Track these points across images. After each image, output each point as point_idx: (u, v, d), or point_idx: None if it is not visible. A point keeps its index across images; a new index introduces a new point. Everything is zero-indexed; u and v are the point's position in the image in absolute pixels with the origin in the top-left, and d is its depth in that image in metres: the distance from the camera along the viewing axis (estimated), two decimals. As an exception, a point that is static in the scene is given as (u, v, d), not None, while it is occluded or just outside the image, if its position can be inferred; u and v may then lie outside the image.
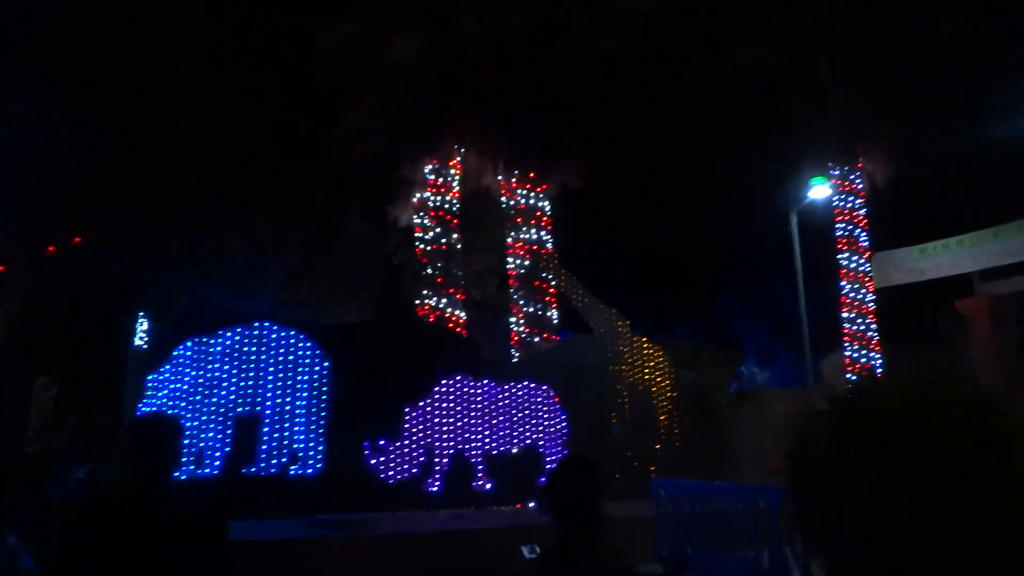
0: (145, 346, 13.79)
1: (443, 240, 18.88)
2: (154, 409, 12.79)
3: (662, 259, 21.31)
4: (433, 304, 18.53)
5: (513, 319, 18.24)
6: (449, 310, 18.19)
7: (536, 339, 16.79)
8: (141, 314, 14.21)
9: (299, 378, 12.92)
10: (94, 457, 14.84)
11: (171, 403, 12.87)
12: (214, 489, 12.26)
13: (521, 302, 17.76)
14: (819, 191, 17.66)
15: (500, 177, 18.60)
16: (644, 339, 16.51)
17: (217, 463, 12.49)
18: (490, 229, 18.63)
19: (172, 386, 12.91)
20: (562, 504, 3.06)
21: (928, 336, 20.33)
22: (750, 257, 22.15)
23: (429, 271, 19.30)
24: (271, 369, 12.89)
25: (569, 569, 3.06)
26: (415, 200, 19.98)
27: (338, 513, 11.81)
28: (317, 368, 13.01)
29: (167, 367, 13.00)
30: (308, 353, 13.04)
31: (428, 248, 19.46)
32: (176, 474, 12.28)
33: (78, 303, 16.16)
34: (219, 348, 12.94)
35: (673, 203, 20.68)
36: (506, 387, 14.56)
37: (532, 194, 17.99)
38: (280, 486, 12.47)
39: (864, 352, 19.52)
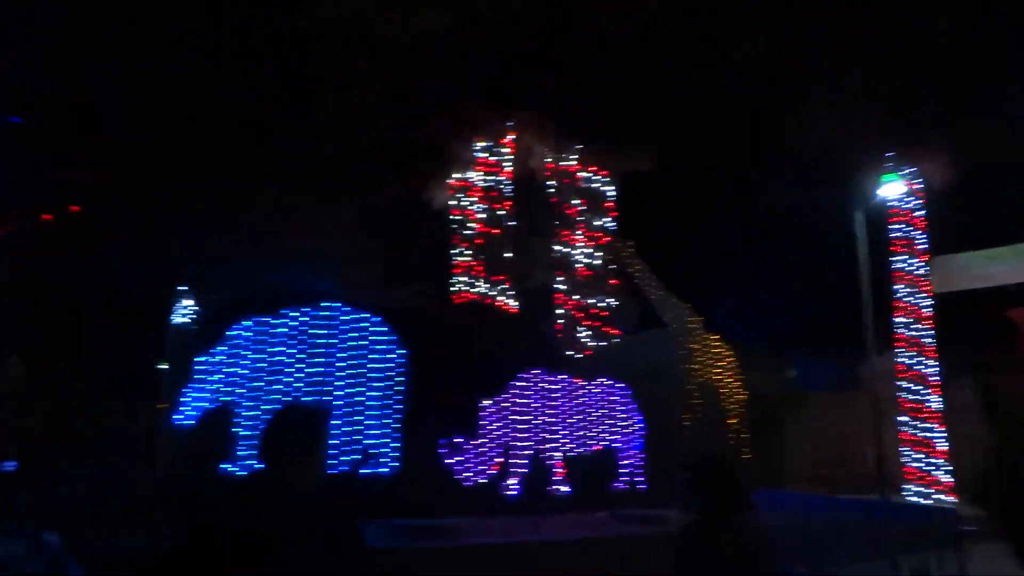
0: (190, 323, 12.27)
1: (493, 223, 17.63)
2: (213, 394, 11.35)
3: (697, 256, 20.41)
4: (480, 291, 17.30)
5: (561, 311, 17.14)
6: (499, 298, 16.96)
7: (599, 333, 15.69)
8: (185, 288, 12.66)
9: (372, 366, 11.57)
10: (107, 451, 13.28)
11: (226, 388, 11.41)
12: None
13: (577, 295, 16.64)
14: (891, 188, 16.95)
15: (549, 159, 17.45)
16: (715, 337, 15.56)
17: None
18: (546, 213, 17.45)
19: (227, 370, 11.45)
20: (711, 485, 3.52)
21: (981, 344, 19.86)
22: (767, 256, 21.46)
23: (471, 256, 18.07)
24: (342, 355, 11.51)
25: (713, 543, 3.46)
26: (454, 180, 18.71)
27: (415, 518, 10.62)
28: (392, 356, 11.68)
29: (221, 348, 11.53)
30: (383, 339, 11.70)
31: (472, 232, 18.22)
32: (234, 468, 10.89)
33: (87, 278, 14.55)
34: (283, 329, 11.52)
35: (710, 200, 19.86)
36: (584, 384, 13.44)
37: (596, 178, 16.87)
38: (350, 486, 11.11)
39: (918, 358, 18.90)
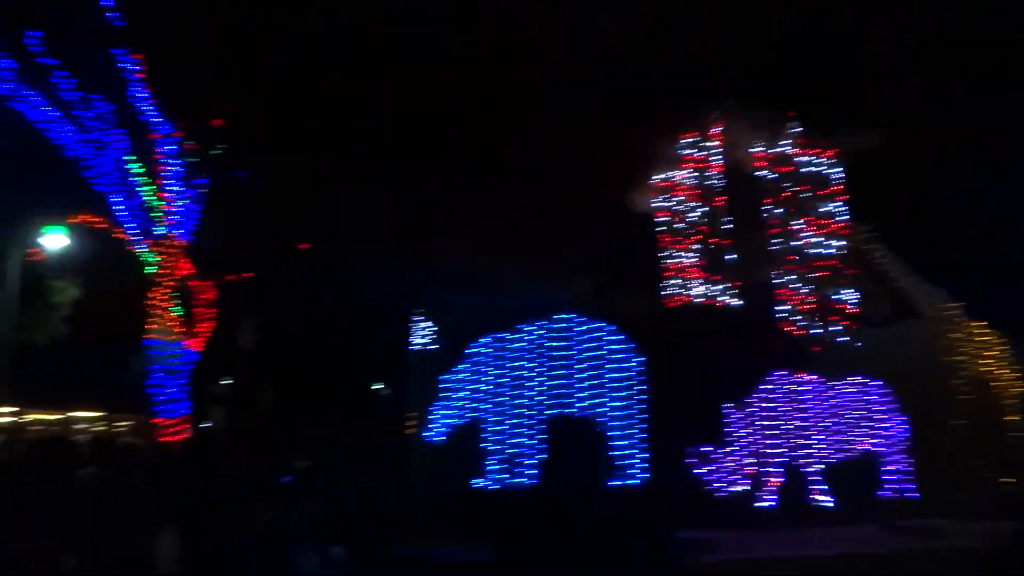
0: (428, 346, 12.78)
1: (705, 221, 16.88)
2: (459, 411, 11.65)
3: (949, 235, 18.19)
4: (697, 293, 16.58)
5: (787, 307, 15.97)
6: (720, 299, 16.14)
7: (842, 329, 14.42)
8: (419, 312, 13.20)
9: (611, 376, 11.32)
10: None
11: (472, 404, 11.67)
12: (529, 499, 10.88)
13: (810, 289, 15.43)
14: None
15: (761, 146, 16.40)
16: (981, 324, 13.77)
17: (531, 471, 11.11)
18: (763, 206, 16.42)
19: (471, 386, 11.71)
20: None
21: None
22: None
23: (683, 258, 17.42)
24: (581, 367, 11.37)
25: None
26: (658, 181, 18.16)
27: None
28: (631, 364, 11.36)
29: (464, 366, 11.83)
30: (620, 348, 11.42)
31: (681, 230, 17.58)
32: (486, 482, 11.03)
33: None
34: (521, 344, 11.60)
35: (956, 171, 17.66)
36: (835, 384, 12.35)
37: (818, 160, 15.65)
38: (601, 496, 10.89)
39: None
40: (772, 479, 11.64)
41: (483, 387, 11.58)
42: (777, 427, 11.79)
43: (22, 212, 18.97)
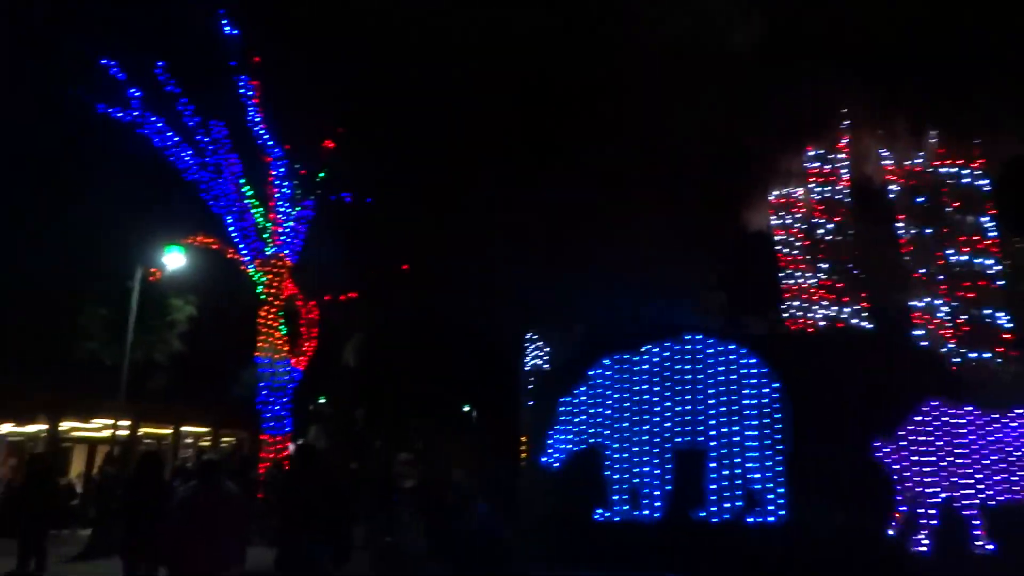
0: (544, 365, 12.27)
1: (832, 239, 15.79)
2: (576, 436, 11.05)
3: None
4: (825, 315, 15.45)
5: (923, 330, 14.62)
6: (851, 321, 14.98)
7: (1003, 355, 13.05)
8: (532, 333, 12.72)
9: (745, 402, 10.48)
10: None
11: (592, 430, 11.05)
12: (656, 535, 10.15)
13: (948, 309, 14.09)
14: None
15: (895, 159, 15.22)
16: None
17: (658, 504, 10.38)
18: (897, 220, 15.22)
19: (591, 411, 11.10)
20: None
21: None
22: None
23: (806, 277, 16.34)
24: (711, 391, 10.59)
25: None
26: (775, 198, 17.19)
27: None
28: (766, 390, 10.50)
29: (583, 388, 11.23)
30: (754, 371, 10.58)
31: (799, 251, 16.53)
32: (606, 515, 10.34)
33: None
34: (644, 367, 10.93)
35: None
36: (997, 417, 11.08)
37: (964, 171, 14.36)
38: (736, 536, 10.05)
39: None
40: (926, 521, 10.47)
41: (604, 411, 10.95)
42: (932, 464, 10.63)
43: (144, 233, 19.75)
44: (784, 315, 16.41)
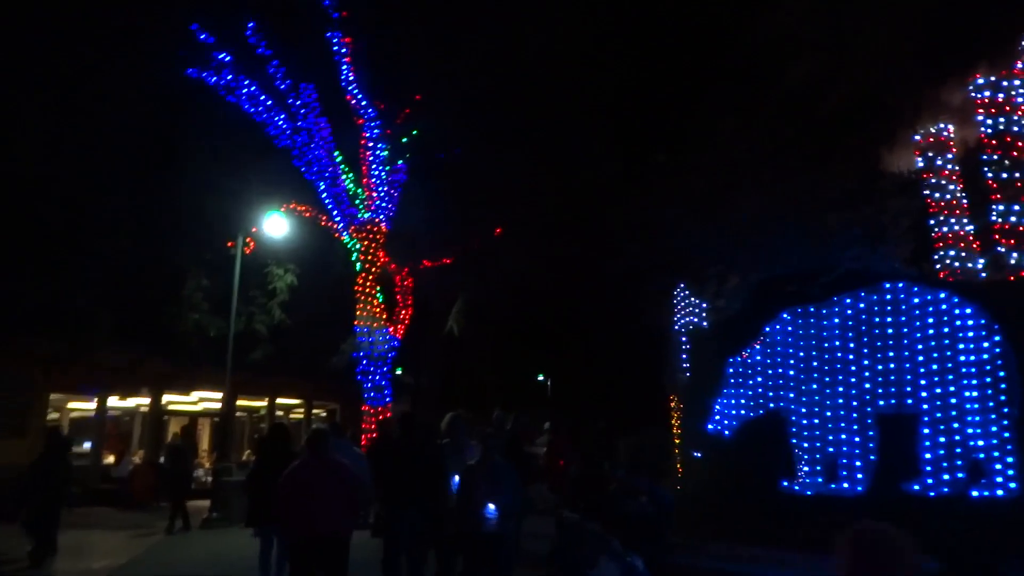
0: (701, 323, 11.05)
1: (1006, 179, 13.96)
2: (752, 400, 9.84)
3: None
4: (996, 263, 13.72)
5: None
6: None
7: None
8: (682, 286, 11.49)
9: (961, 358, 9.05)
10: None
11: (771, 393, 9.81)
12: (860, 511, 8.90)
13: None
14: None
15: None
16: None
17: (860, 476, 9.11)
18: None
19: (770, 371, 9.85)
20: None
21: None
22: None
23: (962, 224, 14.60)
24: (919, 347, 9.19)
25: None
26: (920, 138, 15.40)
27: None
28: (986, 345, 9.04)
29: (756, 348, 9.98)
30: (971, 324, 9.13)
31: (952, 195, 14.76)
32: (794, 487, 9.12)
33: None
34: (836, 320, 9.59)
35: None
36: None
37: None
38: (959, 512, 8.71)
39: None
40: None
41: (787, 372, 9.68)
42: None
43: (244, 201, 19.19)
44: (936, 266, 14.80)
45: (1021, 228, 13.87)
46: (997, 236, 14.24)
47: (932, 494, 8.76)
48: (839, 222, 11.28)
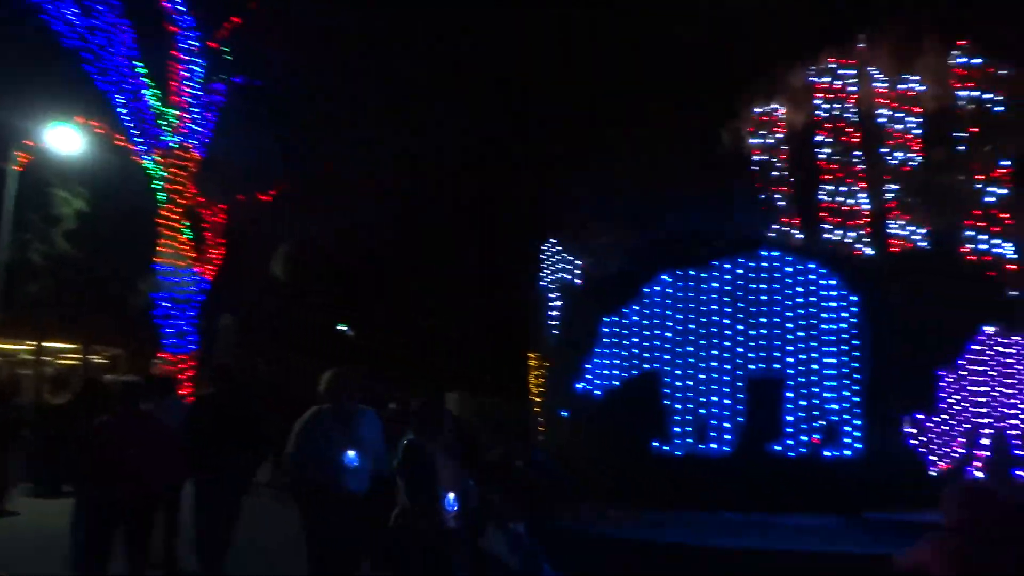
0: (574, 280, 10.67)
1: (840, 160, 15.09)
2: (626, 360, 9.71)
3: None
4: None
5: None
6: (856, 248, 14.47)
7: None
8: (551, 241, 11.07)
9: (824, 327, 9.52)
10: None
11: (647, 355, 9.74)
12: (727, 471, 9.14)
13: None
14: None
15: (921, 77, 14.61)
16: None
17: (727, 437, 9.32)
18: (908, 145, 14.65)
19: (646, 332, 9.76)
20: None
21: None
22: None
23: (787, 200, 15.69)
24: (788, 314, 9.53)
25: None
26: (756, 115, 16.27)
27: (889, 511, 8.66)
28: (845, 314, 9.58)
29: (634, 307, 9.84)
30: (833, 294, 9.60)
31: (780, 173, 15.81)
32: (665, 448, 9.20)
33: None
34: (713, 284, 9.66)
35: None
36: (1036, 345, 10.86)
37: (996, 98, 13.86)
38: (811, 471, 9.22)
39: None
40: (980, 451, 10.16)
41: (664, 333, 9.64)
42: (984, 395, 10.27)
43: (20, 106, 15.86)
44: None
45: (845, 208, 15.16)
46: (824, 215, 15.41)
47: (792, 454, 9.18)
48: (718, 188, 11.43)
